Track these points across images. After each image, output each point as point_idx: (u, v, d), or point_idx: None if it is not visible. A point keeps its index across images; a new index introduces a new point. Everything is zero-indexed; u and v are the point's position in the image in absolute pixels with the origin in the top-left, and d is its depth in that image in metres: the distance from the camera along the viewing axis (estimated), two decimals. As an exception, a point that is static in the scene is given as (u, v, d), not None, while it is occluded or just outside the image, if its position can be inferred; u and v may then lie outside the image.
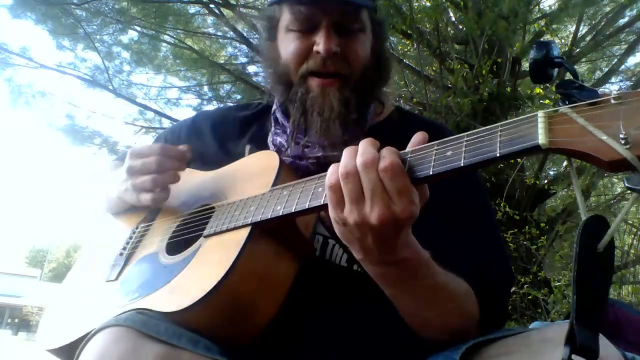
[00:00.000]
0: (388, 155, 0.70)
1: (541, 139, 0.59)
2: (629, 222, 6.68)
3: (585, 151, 0.56)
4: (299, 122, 1.09)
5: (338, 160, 0.75)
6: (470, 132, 0.69)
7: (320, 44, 1.03)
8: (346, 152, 0.74)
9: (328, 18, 1.04)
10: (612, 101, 0.57)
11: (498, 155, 0.62)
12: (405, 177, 0.69)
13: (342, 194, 0.72)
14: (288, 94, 1.11)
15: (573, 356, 0.53)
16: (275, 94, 1.19)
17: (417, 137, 0.75)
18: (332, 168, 0.74)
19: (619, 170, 0.54)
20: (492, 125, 0.66)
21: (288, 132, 1.14)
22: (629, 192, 0.53)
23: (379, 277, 0.82)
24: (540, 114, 0.62)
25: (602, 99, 0.58)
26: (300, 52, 1.07)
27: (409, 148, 0.74)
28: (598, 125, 0.56)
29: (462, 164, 0.65)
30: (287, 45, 1.10)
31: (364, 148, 0.72)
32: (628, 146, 0.52)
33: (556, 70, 0.71)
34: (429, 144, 0.72)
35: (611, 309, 0.88)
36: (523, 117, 0.64)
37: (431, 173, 0.68)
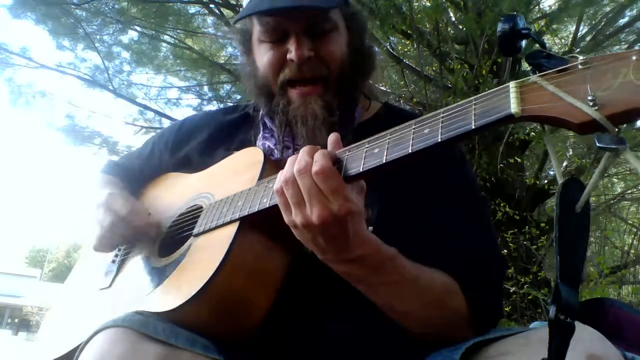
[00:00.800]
0: (319, 159, 0.75)
1: (514, 108, 0.60)
2: (629, 222, 6.68)
3: (556, 116, 0.57)
4: (285, 132, 1.10)
5: None
6: (447, 107, 0.70)
7: (292, 51, 1.03)
8: (288, 161, 0.79)
9: (296, 25, 1.03)
10: (580, 66, 0.59)
11: (473, 127, 0.64)
12: (337, 177, 0.74)
13: (287, 199, 0.77)
14: (271, 105, 1.11)
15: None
16: (260, 106, 1.19)
17: (331, 137, 0.81)
18: (278, 175, 0.80)
19: (590, 131, 0.56)
20: (467, 100, 0.68)
21: (276, 136, 1.14)
22: (600, 150, 0.54)
23: (344, 275, 0.84)
24: (512, 84, 0.63)
25: (569, 65, 0.60)
26: (275, 62, 1.07)
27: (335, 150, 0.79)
28: (567, 90, 0.58)
29: (439, 139, 0.66)
30: (262, 57, 1.10)
31: (300, 156, 0.78)
32: (596, 107, 0.54)
33: (524, 42, 0.73)
34: (407, 123, 0.74)
35: (611, 309, 0.88)
36: (495, 88, 0.65)
37: (410, 151, 0.69)
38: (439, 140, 0.66)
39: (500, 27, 0.71)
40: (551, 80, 0.60)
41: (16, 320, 40.76)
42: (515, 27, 0.70)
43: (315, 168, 0.74)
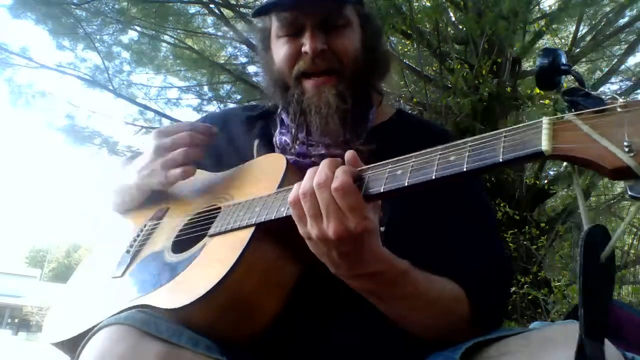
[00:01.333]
0: (340, 175, 0.74)
1: (544, 145, 0.59)
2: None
3: (588, 158, 0.55)
4: (299, 121, 1.12)
5: (340, 157, 0.80)
6: (475, 137, 0.69)
7: (306, 44, 1.08)
8: (308, 173, 0.79)
9: (311, 19, 1.08)
10: (618, 109, 0.56)
11: (501, 160, 0.62)
12: (357, 195, 0.74)
13: (303, 211, 0.77)
14: (286, 97, 1.15)
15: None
16: (275, 99, 1.23)
17: (348, 154, 0.81)
18: (295, 186, 0.80)
19: (622, 178, 0.54)
20: (497, 131, 0.67)
21: (293, 132, 1.16)
22: (631, 199, 0.53)
23: (357, 289, 0.85)
24: (545, 120, 0.62)
25: (608, 107, 0.58)
26: (290, 55, 1.11)
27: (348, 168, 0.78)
28: (602, 132, 0.56)
29: (464, 169, 0.66)
30: (279, 51, 1.14)
31: (320, 169, 0.77)
32: (632, 154, 0.52)
33: (562, 77, 0.71)
34: (433, 148, 0.73)
35: (611, 309, 0.88)
36: (528, 123, 0.64)
37: (434, 177, 0.68)
38: (464, 169, 0.66)
39: (539, 61, 0.70)
40: (586, 120, 0.58)
41: (16, 320, 40.75)
42: (556, 61, 0.69)
43: (335, 184, 0.74)
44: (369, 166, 0.79)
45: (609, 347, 0.68)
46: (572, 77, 0.69)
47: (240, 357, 0.82)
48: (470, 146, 0.68)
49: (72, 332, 1.03)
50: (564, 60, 0.70)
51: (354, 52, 1.12)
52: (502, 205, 4.89)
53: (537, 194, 5.67)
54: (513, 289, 4.53)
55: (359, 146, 1.05)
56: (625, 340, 0.83)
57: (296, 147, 1.14)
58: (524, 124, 0.64)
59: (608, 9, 6.31)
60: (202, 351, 0.76)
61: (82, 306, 1.14)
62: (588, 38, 6.51)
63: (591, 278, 0.55)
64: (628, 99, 0.57)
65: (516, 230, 4.84)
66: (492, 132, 0.67)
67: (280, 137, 1.19)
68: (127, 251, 1.18)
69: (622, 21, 6.23)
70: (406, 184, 0.71)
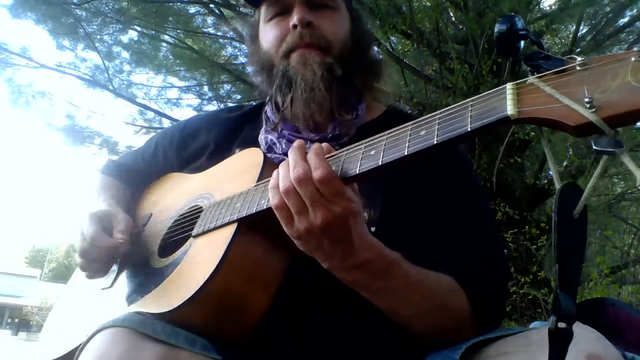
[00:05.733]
0: (319, 164, 0.74)
1: (510, 109, 0.59)
2: (629, 222, 6.68)
3: (552, 118, 0.56)
4: (284, 91, 1.10)
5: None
6: (443, 109, 0.69)
7: (294, 17, 1.08)
8: (282, 169, 0.78)
9: None
10: (577, 68, 0.58)
11: (469, 129, 0.63)
12: (338, 180, 0.74)
13: (290, 211, 0.77)
14: (272, 76, 1.14)
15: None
16: (263, 85, 1.21)
17: (324, 147, 0.80)
18: (271, 191, 0.79)
19: (586, 134, 0.55)
20: (464, 101, 0.67)
21: (279, 129, 1.14)
22: (597, 154, 0.53)
23: (349, 283, 0.84)
24: (509, 85, 0.63)
25: (567, 66, 0.59)
26: (278, 35, 1.12)
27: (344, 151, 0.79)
28: (564, 92, 0.57)
29: (435, 142, 0.66)
30: (267, 34, 1.16)
31: (294, 162, 0.76)
32: (593, 110, 0.53)
33: (522, 42, 0.72)
34: (404, 125, 0.74)
35: (611, 309, 0.87)
36: (493, 90, 0.65)
37: (406, 153, 0.69)
38: (435, 142, 0.66)
39: (497, 27, 0.71)
40: (548, 81, 0.60)
41: (16, 320, 40.78)
42: (513, 27, 0.70)
43: (317, 175, 0.73)
44: (344, 149, 0.79)
45: (609, 347, 0.67)
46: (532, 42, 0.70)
47: (236, 354, 0.82)
48: (439, 119, 0.68)
49: (66, 349, 1.03)
50: (521, 25, 0.70)
51: (341, 35, 1.12)
52: (502, 205, 4.89)
53: (537, 194, 5.66)
54: (513, 289, 4.53)
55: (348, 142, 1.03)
56: (625, 340, 0.83)
57: (283, 145, 1.13)
58: (489, 91, 0.65)
59: (608, 9, 6.31)
60: (199, 351, 0.75)
61: (74, 322, 1.14)
62: (588, 38, 6.52)
63: (565, 234, 0.56)
64: (586, 57, 0.58)
65: (516, 230, 4.84)
66: (460, 102, 0.67)
67: (265, 135, 1.17)
68: (115, 261, 1.18)
69: (622, 21, 6.24)
70: (380, 163, 0.71)
